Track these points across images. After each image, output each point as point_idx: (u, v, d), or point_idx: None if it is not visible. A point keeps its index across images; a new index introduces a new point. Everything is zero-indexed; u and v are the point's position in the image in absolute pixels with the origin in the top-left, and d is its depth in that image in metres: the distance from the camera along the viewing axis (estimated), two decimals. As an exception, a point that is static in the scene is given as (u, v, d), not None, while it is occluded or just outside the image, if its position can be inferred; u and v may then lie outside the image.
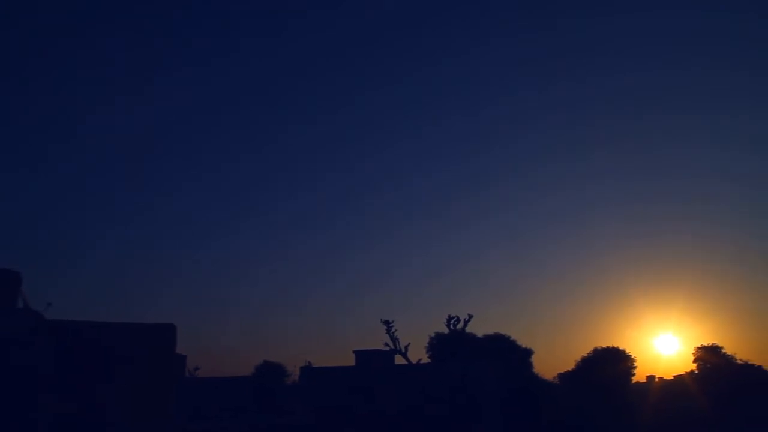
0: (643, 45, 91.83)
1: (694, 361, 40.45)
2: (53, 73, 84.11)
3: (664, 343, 51.06)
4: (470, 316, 36.79)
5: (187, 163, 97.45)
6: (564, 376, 42.53)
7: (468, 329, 37.27)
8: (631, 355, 41.89)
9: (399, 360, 37.23)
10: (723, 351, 39.38)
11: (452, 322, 36.59)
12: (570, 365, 42.65)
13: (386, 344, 36.58)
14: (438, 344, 38.88)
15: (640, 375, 44.58)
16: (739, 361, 38.59)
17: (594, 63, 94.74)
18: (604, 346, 42.30)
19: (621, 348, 42.02)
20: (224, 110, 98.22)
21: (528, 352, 40.78)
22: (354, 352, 38.32)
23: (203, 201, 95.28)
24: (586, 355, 42.18)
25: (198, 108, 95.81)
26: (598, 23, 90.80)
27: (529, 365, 40.77)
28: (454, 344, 36.84)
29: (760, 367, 38.31)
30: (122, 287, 76.11)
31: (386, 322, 36.50)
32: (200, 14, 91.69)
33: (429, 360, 38.62)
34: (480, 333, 40.08)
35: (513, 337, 41.02)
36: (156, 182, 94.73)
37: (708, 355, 39.57)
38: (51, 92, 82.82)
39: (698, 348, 40.44)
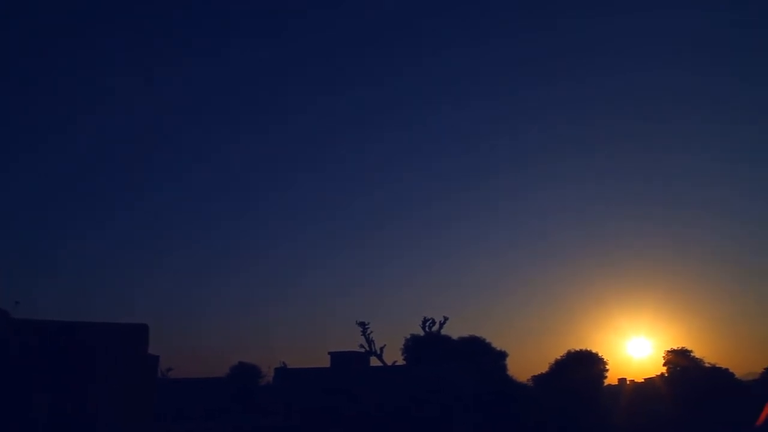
0: (625, 47, 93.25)
1: (665, 364, 41.09)
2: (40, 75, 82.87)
3: (635, 346, 51.89)
4: (446, 319, 37.07)
5: (162, 166, 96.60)
6: (538, 379, 42.95)
7: (443, 331, 37.53)
8: (603, 358, 42.53)
9: (374, 362, 37.31)
10: (692, 354, 40.09)
11: (428, 324, 36.80)
12: (544, 368, 43.15)
13: (362, 346, 36.65)
14: (413, 346, 39.07)
15: (612, 378, 45.26)
16: (707, 365, 39.32)
17: (571, 65, 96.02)
18: (578, 349, 42.87)
19: (594, 351, 42.64)
20: (201, 113, 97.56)
21: (502, 355, 41.19)
22: (329, 353, 38.34)
23: (178, 202, 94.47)
24: (559, 357, 42.68)
25: (177, 111, 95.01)
26: (583, 25, 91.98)
27: (504, 368, 41.17)
28: (430, 346, 37.03)
29: (727, 370, 39.10)
30: (96, 287, 75.13)
31: (362, 324, 36.62)
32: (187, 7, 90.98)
33: (404, 362, 38.77)
34: (455, 335, 40.41)
35: (488, 340, 41.43)
36: (132, 183, 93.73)
37: (678, 359, 40.24)
38: (31, 93, 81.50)
39: (668, 351, 41.11)
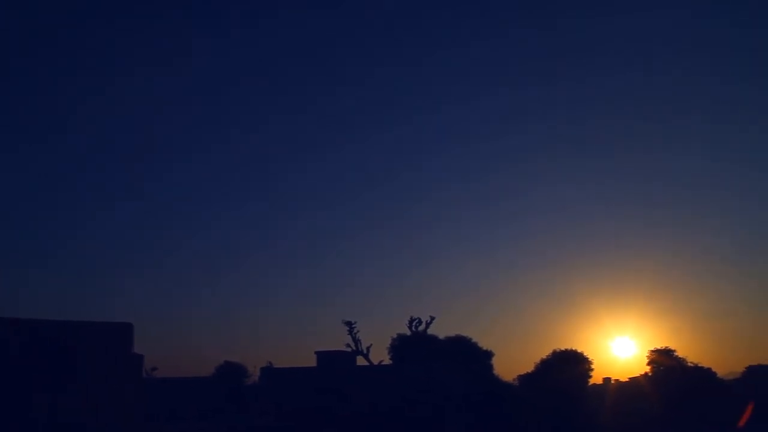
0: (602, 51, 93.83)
1: (648, 364, 41.50)
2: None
3: (620, 345, 52.29)
4: (432, 318, 37.17)
5: (150, 165, 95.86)
6: (524, 379, 43.22)
7: (430, 331, 37.61)
8: (588, 358, 42.89)
9: (361, 361, 37.33)
10: (675, 354, 40.53)
11: (414, 323, 36.86)
12: (529, 367, 43.42)
13: (348, 345, 36.63)
14: (400, 346, 39.13)
15: (597, 377, 45.65)
16: (690, 364, 39.76)
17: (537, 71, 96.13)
18: (563, 348, 43.19)
19: (579, 351, 42.98)
20: (188, 113, 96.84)
21: (488, 354, 41.35)
22: (316, 352, 38.33)
23: (164, 200, 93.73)
24: (545, 357, 42.98)
25: (158, 108, 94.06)
26: (577, 25, 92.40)
27: (490, 367, 41.35)
28: (416, 346, 37.10)
29: (709, 369, 39.57)
30: (80, 286, 74.47)
31: (348, 323, 36.59)
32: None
33: (390, 361, 38.83)
34: (442, 335, 40.51)
35: (474, 340, 41.59)
36: (120, 182, 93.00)
37: (661, 358, 40.66)
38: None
39: (652, 351, 41.52)
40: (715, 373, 39.87)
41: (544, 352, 43.54)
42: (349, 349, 36.80)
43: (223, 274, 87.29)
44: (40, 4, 77.49)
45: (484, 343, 41.79)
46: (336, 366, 37.20)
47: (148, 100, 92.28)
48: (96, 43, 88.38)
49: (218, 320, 76.94)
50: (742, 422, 32.14)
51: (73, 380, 21.73)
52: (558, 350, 43.07)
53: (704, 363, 40.30)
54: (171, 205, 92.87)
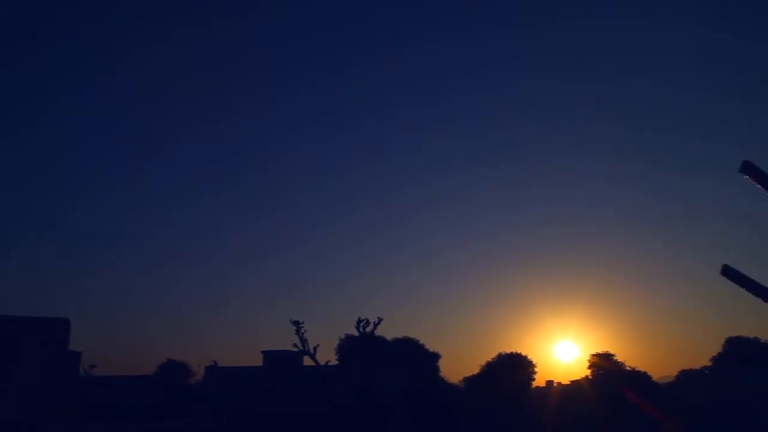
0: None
1: (589, 367, 42.71)
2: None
3: (563, 349, 53.72)
4: (380, 319, 37.18)
5: (95, 160, 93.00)
6: (469, 380, 43.90)
7: (377, 332, 37.68)
8: (532, 361, 43.89)
9: (307, 361, 37.11)
10: (614, 358, 41.84)
11: (362, 324, 36.84)
12: (475, 369, 44.12)
13: (295, 345, 36.34)
14: (347, 346, 39.12)
15: (540, 380, 46.79)
16: (628, 368, 41.12)
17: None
18: (508, 351, 44.05)
19: (523, 354, 43.94)
20: (133, 111, 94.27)
21: (435, 356, 41.78)
22: (262, 352, 37.95)
23: (109, 197, 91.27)
24: (490, 359, 43.78)
25: (106, 109, 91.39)
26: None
27: (436, 369, 41.78)
28: (364, 347, 37.14)
29: (645, 373, 41.03)
30: (19, 281, 71.69)
31: (296, 323, 36.27)
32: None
33: (337, 362, 38.76)
34: (389, 336, 40.71)
35: (421, 341, 41.97)
36: (61, 177, 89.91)
37: (601, 362, 41.92)
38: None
39: (593, 355, 42.75)
40: (650, 377, 41.39)
41: (490, 355, 44.42)
42: (295, 349, 36.50)
43: (168, 271, 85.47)
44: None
45: (431, 345, 42.27)
46: (282, 366, 36.93)
47: (91, 93, 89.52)
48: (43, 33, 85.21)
49: (162, 318, 75.33)
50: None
51: (5, 377, 20.93)
52: (503, 353, 43.94)
53: (641, 367, 41.86)
54: (115, 202, 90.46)
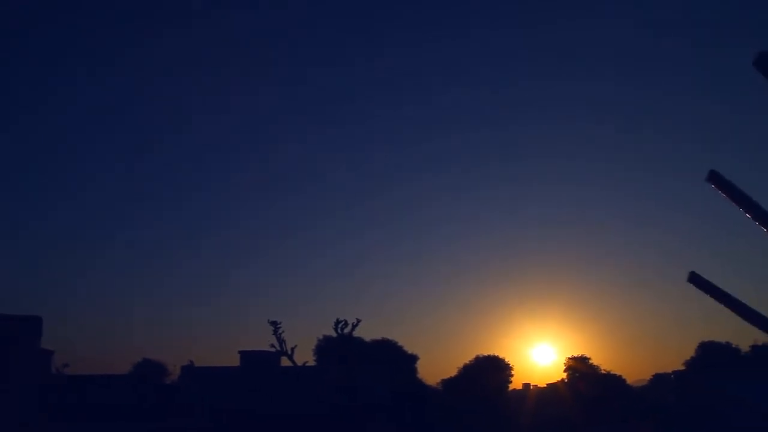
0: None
1: (565, 371, 43.15)
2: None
3: (540, 352, 54.19)
4: (358, 321, 37.18)
5: (75, 157, 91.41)
6: (447, 382, 44.09)
7: (356, 333, 37.68)
8: (509, 364, 44.25)
9: (285, 362, 36.95)
10: (590, 361, 42.32)
11: (340, 325, 36.78)
12: (453, 371, 44.33)
13: (272, 345, 36.17)
14: (325, 347, 39.04)
15: (517, 382, 47.18)
16: (603, 371, 41.61)
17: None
18: (485, 354, 44.35)
19: (501, 357, 44.27)
20: (112, 113, 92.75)
21: (413, 358, 41.89)
22: (239, 352, 37.66)
23: (83, 195, 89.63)
24: (468, 362, 44.03)
25: (85, 110, 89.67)
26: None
27: (414, 371, 41.89)
28: (342, 348, 37.09)
29: (620, 376, 41.56)
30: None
31: (274, 323, 36.10)
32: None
33: (315, 363, 38.66)
34: (367, 338, 40.70)
35: (399, 343, 42.06)
36: (35, 173, 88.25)
37: (577, 365, 42.38)
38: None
39: (569, 358, 43.21)
40: (625, 380, 41.93)
41: (468, 357, 44.69)
42: (273, 350, 36.32)
43: (143, 271, 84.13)
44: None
45: (410, 347, 42.38)
46: (259, 366, 36.68)
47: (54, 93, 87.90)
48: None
49: (139, 317, 74.20)
50: None
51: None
52: (481, 356, 44.25)
53: (616, 370, 42.41)
54: (91, 200, 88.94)
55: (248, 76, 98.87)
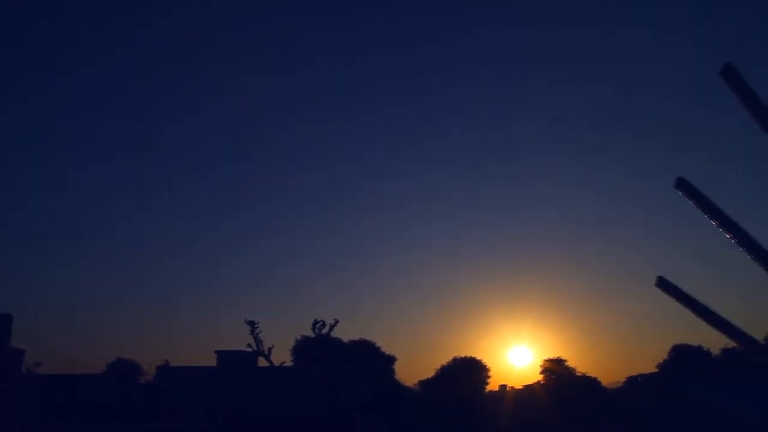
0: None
1: (542, 372, 43.54)
2: None
3: (517, 354, 54.64)
4: (336, 321, 37.14)
5: (51, 155, 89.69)
6: (424, 384, 44.24)
7: (333, 334, 37.63)
8: (486, 366, 44.56)
9: (262, 362, 36.77)
10: (566, 363, 42.76)
11: (318, 326, 36.69)
12: (430, 373, 44.48)
13: (249, 345, 35.95)
14: (303, 348, 38.93)
15: (494, 384, 47.50)
16: (579, 373, 42.07)
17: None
18: (463, 355, 44.59)
19: (478, 358, 44.56)
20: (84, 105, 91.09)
21: (391, 359, 41.97)
22: (216, 352, 37.37)
23: (61, 192, 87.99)
24: (445, 363, 44.22)
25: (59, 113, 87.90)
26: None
27: (392, 371, 41.97)
28: (320, 348, 37.00)
29: (595, 378, 42.07)
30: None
31: (251, 323, 35.89)
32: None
33: (292, 363, 38.52)
34: (345, 338, 40.68)
35: (377, 344, 42.09)
36: (11, 170, 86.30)
37: (553, 367, 42.80)
38: None
39: (545, 360, 43.61)
40: (600, 382, 42.47)
41: (445, 359, 44.89)
42: (250, 350, 36.12)
43: (119, 268, 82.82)
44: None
45: (387, 348, 42.44)
46: (236, 366, 36.45)
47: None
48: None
49: (113, 316, 73.13)
50: None
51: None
52: (458, 357, 44.48)
53: (591, 373, 42.92)
54: (67, 198, 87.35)
55: (241, 75, 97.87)
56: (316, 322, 36.60)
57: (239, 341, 38.74)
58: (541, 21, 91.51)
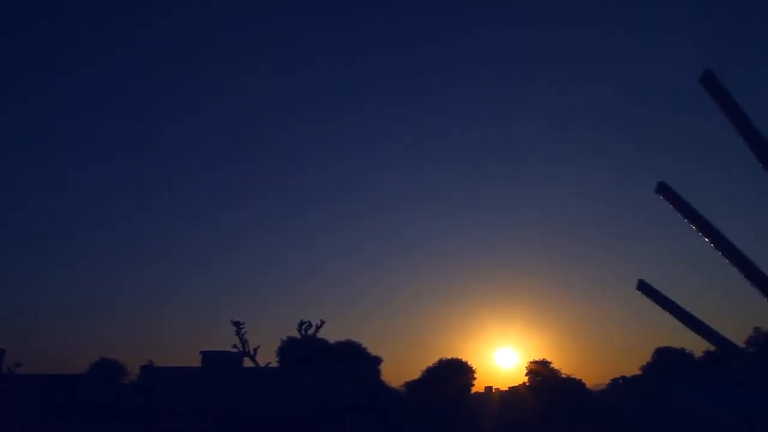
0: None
1: (527, 374, 43.76)
2: None
3: (503, 356, 54.80)
4: (322, 322, 37.09)
5: (33, 156, 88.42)
6: (410, 385, 44.30)
7: (320, 335, 37.57)
8: (472, 367, 44.71)
9: (248, 363, 36.61)
10: (551, 365, 43.01)
11: (304, 326, 36.63)
12: (416, 374, 44.54)
13: (235, 346, 35.79)
14: (289, 348, 38.83)
15: (479, 386, 47.64)
16: (563, 375, 42.34)
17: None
18: (449, 357, 44.70)
19: (464, 360, 44.70)
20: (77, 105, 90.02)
21: (377, 360, 41.99)
22: (201, 352, 37.14)
23: (46, 192, 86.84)
24: (431, 365, 44.31)
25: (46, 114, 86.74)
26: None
27: (377, 373, 41.98)
28: (306, 349, 36.93)
29: (580, 380, 42.37)
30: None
31: (237, 323, 35.74)
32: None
33: (278, 364, 38.39)
34: (332, 339, 40.62)
35: (364, 345, 42.09)
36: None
37: (539, 369, 43.03)
38: None
39: (531, 362, 43.84)
40: (584, 384, 42.77)
41: (431, 360, 44.96)
42: (235, 350, 35.96)
43: (101, 268, 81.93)
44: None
45: (373, 349, 42.45)
46: (221, 367, 36.26)
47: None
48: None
49: (97, 315, 72.36)
50: None
51: None
52: (444, 359, 44.60)
53: (576, 375, 43.22)
54: (53, 197, 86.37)
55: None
56: (302, 323, 36.57)
57: (224, 342, 38.55)
58: (541, 21, 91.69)
